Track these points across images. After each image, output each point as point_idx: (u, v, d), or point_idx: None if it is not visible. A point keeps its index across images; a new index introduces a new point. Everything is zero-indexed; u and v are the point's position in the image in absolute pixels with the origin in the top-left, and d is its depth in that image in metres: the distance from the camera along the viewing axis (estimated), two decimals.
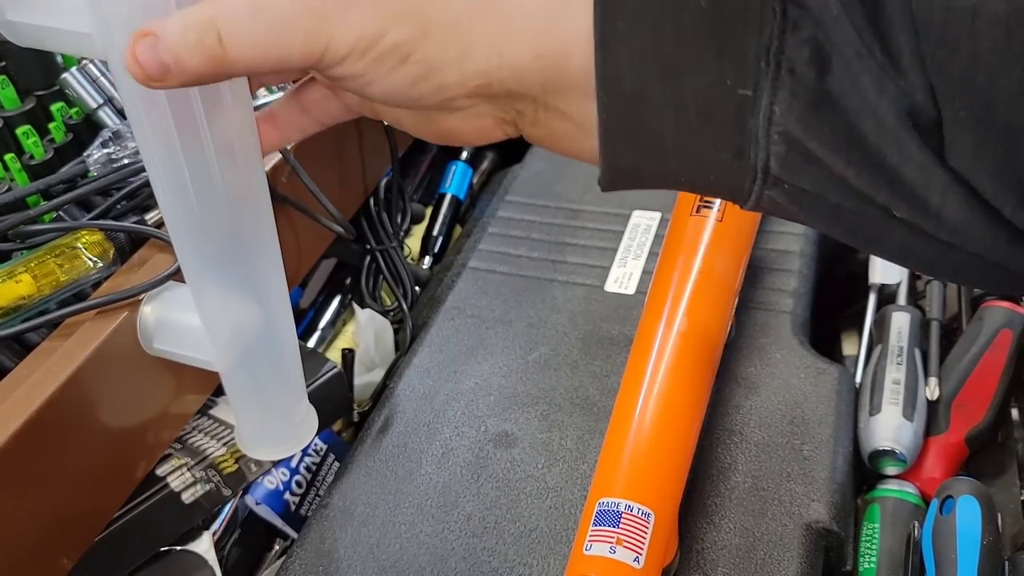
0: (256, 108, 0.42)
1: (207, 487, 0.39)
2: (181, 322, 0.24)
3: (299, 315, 0.55)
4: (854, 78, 0.18)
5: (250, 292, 0.23)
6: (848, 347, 0.52)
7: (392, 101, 0.21)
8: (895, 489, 0.41)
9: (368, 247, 0.54)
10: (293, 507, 0.44)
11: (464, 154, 0.64)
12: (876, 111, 0.18)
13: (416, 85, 0.20)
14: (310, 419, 0.26)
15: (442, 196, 0.62)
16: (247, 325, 0.24)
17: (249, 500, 0.43)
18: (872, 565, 0.38)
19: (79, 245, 0.36)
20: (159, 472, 0.37)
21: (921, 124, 0.18)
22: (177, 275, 0.34)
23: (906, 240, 0.20)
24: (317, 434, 0.45)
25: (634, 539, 0.32)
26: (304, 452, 0.46)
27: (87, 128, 0.45)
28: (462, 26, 0.20)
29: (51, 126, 0.44)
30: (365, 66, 0.20)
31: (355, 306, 0.52)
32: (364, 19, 0.20)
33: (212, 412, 0.41)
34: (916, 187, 0.19)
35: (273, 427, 0.26)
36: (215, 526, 0.40)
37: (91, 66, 0.45)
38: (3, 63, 0.44)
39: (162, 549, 0.39)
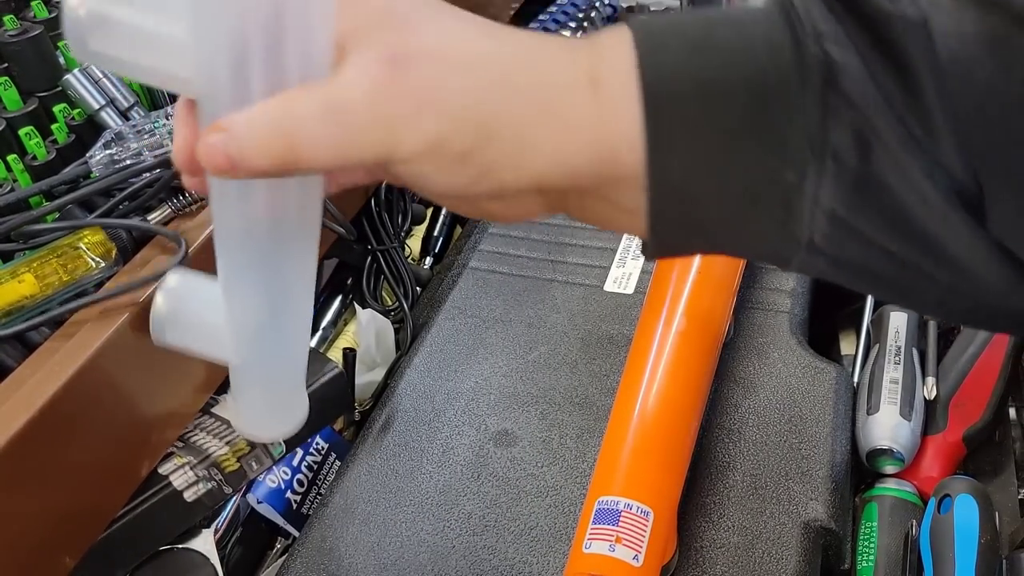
0: None
1: (209, 485, 0.39)
2: (197, 316, 0.25)
3: None
4: (896, 159, 0.20)
5: (281, 293, 0.23)
6: (846, 346, 0.52)
7: (446, 195, 0.22)
8: (893, 488, 0.41)
9: (369, 247, 0.55)
10: (295, 505, 0.45)
11: None
12: (920, 191, 0.20)
13: (474, 184, 0.21)
14: (304, 400, 0.27)
15: None
16: (274, 323, 0.24)
17: (251, 498, 0.43)
18: (870, 563, 0.38)
19: (81, 245, 0.37)
20: (161, 471, 0.38)
21: (965, 200, 0.20)
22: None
23: (943, 297, 0.22)
24: (318, 432, 0.46)
25: (633, 537, 0.33)
26: (305, 451, 0.46)
27: (89, 129, 0.45)
28: (524, 132, 0.21)
29: (53, 127, 0.44)
30: (428, 168, 0.21)
31: (356, 306, 0.52)
32: (433, 127, 0.20)
33: (214, 411, 0.41)
34: (960, 258, 0.20)
35: (275, 412, 0.27)
36: (217, 524, 0.41)
37: (93, 67, 0.45)
38: (5, 64, 0.44)
39: (164, 547, 0.39)
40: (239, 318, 0.24)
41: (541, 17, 0.73)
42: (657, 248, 0.23)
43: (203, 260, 0.36)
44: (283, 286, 0.23)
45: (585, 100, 0.21)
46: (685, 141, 0.20)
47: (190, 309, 0.25)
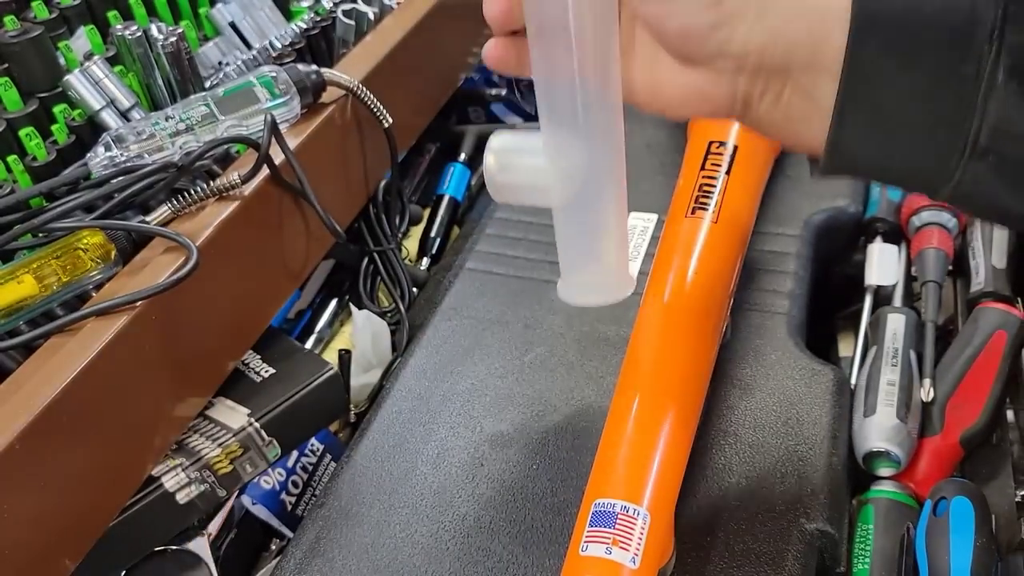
0: (264, 111, 0.42)
1: (202, 488, 0.39)
2: (524, 168, 0.28)
3: (297, 316, 0.56)
4: None
5: (602, 135, 0.27)
6: (844, 348, 0.52)
7: (676, 37, 0.24)
8: (889, 490, 0.41)
9: (366, 248, 0.55)
10: (289, 507, 0.45)
11: (462, 155, 0.65)
12: None
13: (711, 29, 0.24)
14: (629, 279, 0.29)
15: (440, 197, 0.62)
16: (593, 167, 0.27)
17: (245, 500, 0.43)
18: (866, 566, 0.38)
19: (81, 246, 0.37)
20: (154, 472, 0.38)
21: None
22: (184, 280, 0.35)
23: None
24: (313, 434, 0.46)
25: (630, 540, 0.32)
26: (300, 452, 0.46)
27: (89, 130, 0.45)
28: None
29: (53, 128, 0.45)
30: None
31: (352, 307, 0.53)
32: None
33: (208, 413, 0.41)
34: None
35: (596, 274, 0.29)
36: (211, 526, 0.41)
37: (94, 68, 0.46)
38: (6, 64, 0.45)
39: (158, 549, 0.39)
40: (561, 163, 0.27)
41: None
42: (832, 150, 0.24)
43: (207, 258, 0.37)
44: (600, 131, 0.26)
45: None
46: (884, 34, 0.23)
47: (517, 163, 0.28)
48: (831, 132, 0.24)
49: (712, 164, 0.47)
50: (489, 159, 0.29)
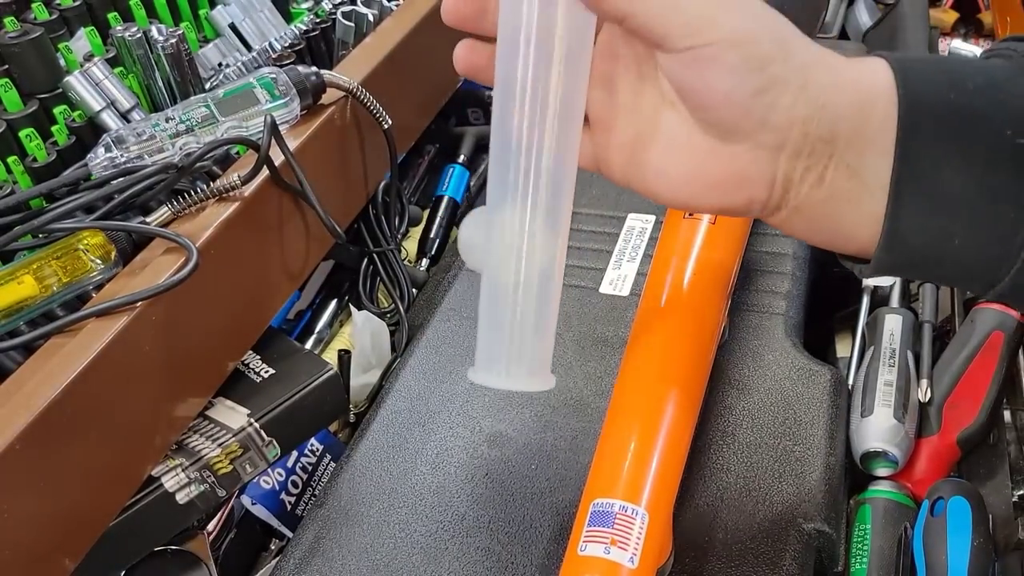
0: (263, 112, 0.42)
1: (201, 488, 0.39)
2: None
3: (296, 317, 0.56)
4: None
5: (552, 223, 0.25)
6: (841, 349, 0.53)
7: (720, 105, 0.23)
8: (886, 490, 0.41)
9: (365, 249, 0.55)
10: (289, 507, 0.45)
11: (461, 157, 0.65)
12: None
13: (758, 95, 0.23)
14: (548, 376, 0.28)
15: (439, 198, 0.62)
16: (546, 253, 0.26)
17: (245, 500, 0.43)
18: (863, 566, 0.38)
19: (81, 247, 0.37)
20: (153, 472, 0.38)
21: None
22: (184, 280, 0.35)
23: None
24: (313, 434, 0.46)
25: (628, 539, 0.33)
26: (300, 452, 0.46)
27: (89, 131, 0.45)
28: (807, 66, 0.23)
29: (54, 129, 0.45)
30: (729, 61, 0.22)
31: (352, 308, 0.53)
32: (741, 22, 0.23)
33: (208, 413, 0.41)
34: None
35: (525, 360, 0.27)
36: (211, 526, 0.41)
37: (94, 69, 0.46)
38: (6, 66, 0.45)
39: (158, 549, 0.39)
40: (491, 233, 0.25)
41: None
42: (889, 238, 0.23)
43: (207, 258, 0.37)
44: (541, 208, 0.25)
45: (848, 63, 0.23)
46: (933, 113, 0.22)
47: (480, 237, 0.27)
48: (889, 210, 0.23)
49: None
50: (461, 235, 0.28)
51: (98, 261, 0.37)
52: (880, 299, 0.51)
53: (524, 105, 0.24)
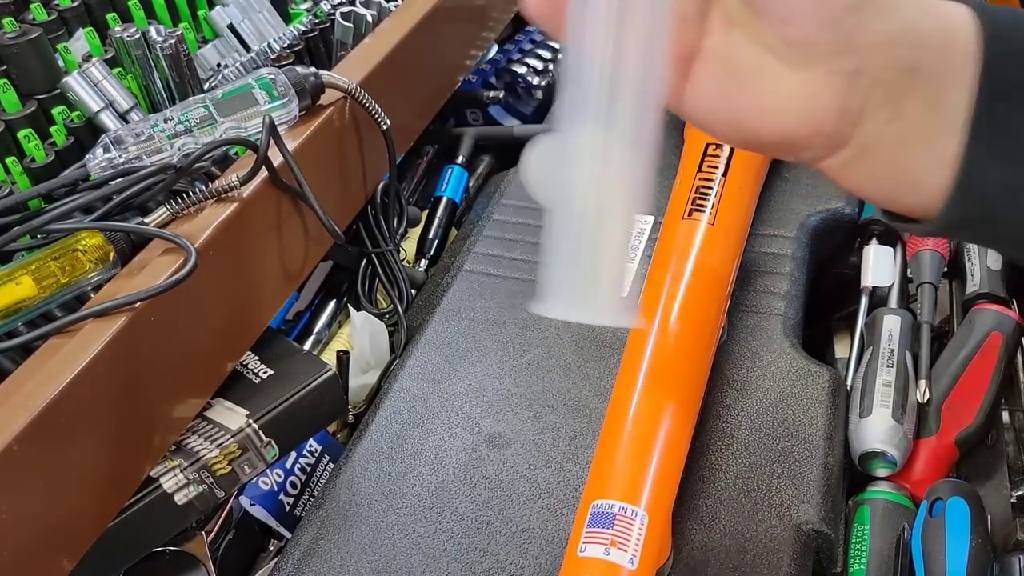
0: (262, 113, 0.42)
1: (200, 488, 0.39)
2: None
3: (295, 317, 0.56)
4: None
5: (627, 131, 0.23)
6: (840, 350, 0.53)
7: (808, 22, 0.21)
8: (885, 491, 0.41)
9: (364, 250, 0.55)
10: (287, 508, 0.45)
11: (460, 158, 0.65)
12: None
13: (848, 12, 0.21)
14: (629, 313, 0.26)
15: (438, 199, 0.62)
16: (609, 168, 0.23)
17: (244, 500, 0.43)
18: (862, 567, 0.38)
19: (79, 247, 0.37)
20: (152, 473, 0.38)
21: None
22: (183, 281, 0.35)
23: None
24: (312, 435, 0.46)
25: (628, 540, 0.33)
26: (299, 453, 0.46)
27: (88, 131, 0.45)
28: None
29: (52, 129, 0.45)
30: None
31: (351, 309, 0.53)
32: None
33: (206, 414, 0.41)
34: None
35: (607, 292, 0.25)
36: (209, 526, 0.41)
37: (93, 70, 0.46)
38: (4, 66, 0.45)
39: (156, 549, 0.39)
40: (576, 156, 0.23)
41: (529, 28, 0.74)
42: (962, 186, 0.21)
43: (206, 259, 0.37)
44: (625, 127, 0.23)
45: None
46: (1016, 53, 0.21)
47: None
48: (965, 150, 0.21)
49: (709, 166, 0.47)
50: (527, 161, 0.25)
51: (96, 262, 0.37)
52: (879, 300, 0.51)
53: (607, 11, 0.22)
